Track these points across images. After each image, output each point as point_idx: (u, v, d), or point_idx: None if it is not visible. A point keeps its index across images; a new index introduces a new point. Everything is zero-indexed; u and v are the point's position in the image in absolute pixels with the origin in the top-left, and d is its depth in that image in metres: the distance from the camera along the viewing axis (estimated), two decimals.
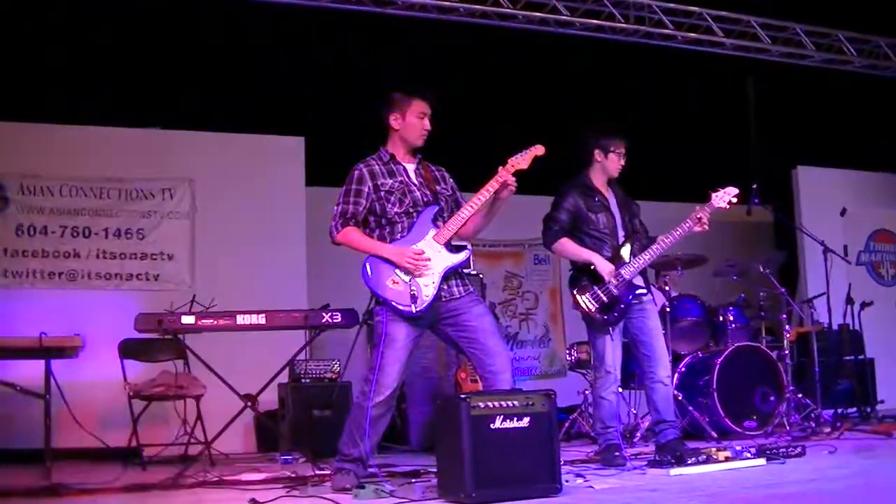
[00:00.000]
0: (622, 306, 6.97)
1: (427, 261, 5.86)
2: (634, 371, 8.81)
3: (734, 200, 7.16)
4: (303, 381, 9.46)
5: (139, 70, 10.78)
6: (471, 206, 5.95)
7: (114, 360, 9.07)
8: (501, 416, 5.18)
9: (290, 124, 11.18)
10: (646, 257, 7.04)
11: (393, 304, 5.79)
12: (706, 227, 7.03)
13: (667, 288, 9.47)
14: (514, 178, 5.91)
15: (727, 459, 6.41)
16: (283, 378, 8.61)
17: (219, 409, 8.22)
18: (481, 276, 10.63)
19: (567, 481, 5.64)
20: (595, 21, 11.57)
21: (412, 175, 6.14)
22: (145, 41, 10.75)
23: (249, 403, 7.32)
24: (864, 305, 11.04)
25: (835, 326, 10.91)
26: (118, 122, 10.49)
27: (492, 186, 5.91)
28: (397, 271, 5.83)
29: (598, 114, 11.51)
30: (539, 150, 6.05)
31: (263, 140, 11.09)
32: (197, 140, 10.86)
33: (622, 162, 7.29)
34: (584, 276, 7.07)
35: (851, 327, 11.12)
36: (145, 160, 10.56)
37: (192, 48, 10.93)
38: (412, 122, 6.13)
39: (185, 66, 10.97)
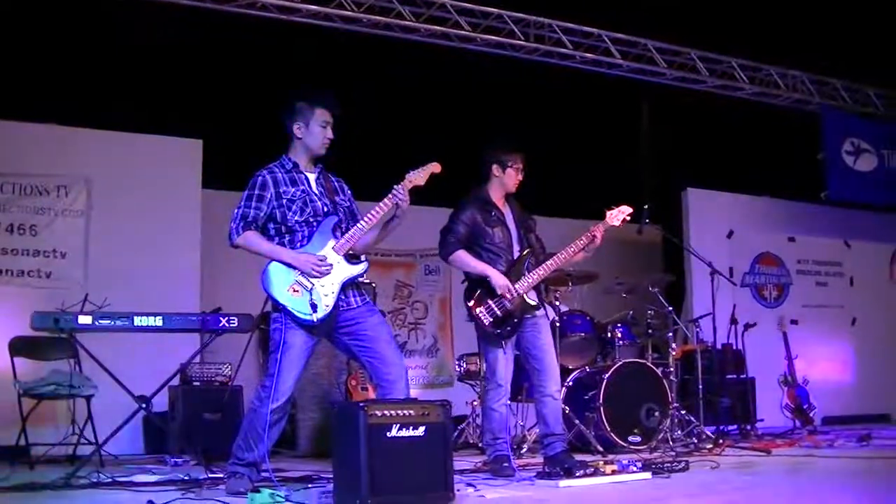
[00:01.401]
0: (515, 320, 7.09)
1: (329, 266, 5.92)
2: (523, 384, 8.94)
3: (627, 219, 7.36)
4: (194, 383, 9.43)
5: (37, 64, 10.63)
6: (368, 219, 6.00)
7: (3, 357, 8.95)
8: (398, 425, 5.25)
9: (188, 126, 11.11)
10: (540, 272, 7.16)
11: (293, 312, 5.82)
12: (599, 244, 7.21)
13: (557, 303, 9.59)
14: (407, 195, 6.01)
15: (614, 473, 6.54)
16: (174, 380, 8.58)
17: (107, 409, 8.19)
18: (374, 284, 10.69)
19: (458, 490, 5.73)
20: (496, 38, 11.73)
21: (314, 185, 6.17)
22: (45, 36, 10.61)
23: (144, 405, 7.29)
24: (747, 326, 11.35)
25: (719, 346, 11.19)
26: (14, 116, 10.33)
27: (389, 201, 5.99)
28: (298, 279, 5.86)
29: (496, 129, 11.63)
30: (436, 167, 6.15)
31: (161, 141, 10.99)
32: (94, 138, 10.71)
33: (520, 177, 7.42)
34: (478, 288, 7.16)
35: (735, 347, 11.41)
36: (41, 156, 10.39)
37: (93, 45, 10.81)
38: (315, 130, 6.16)
39: (86, 62, 10.85)
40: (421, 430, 5.33)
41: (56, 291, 9.84)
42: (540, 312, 7.29)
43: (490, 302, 7.07)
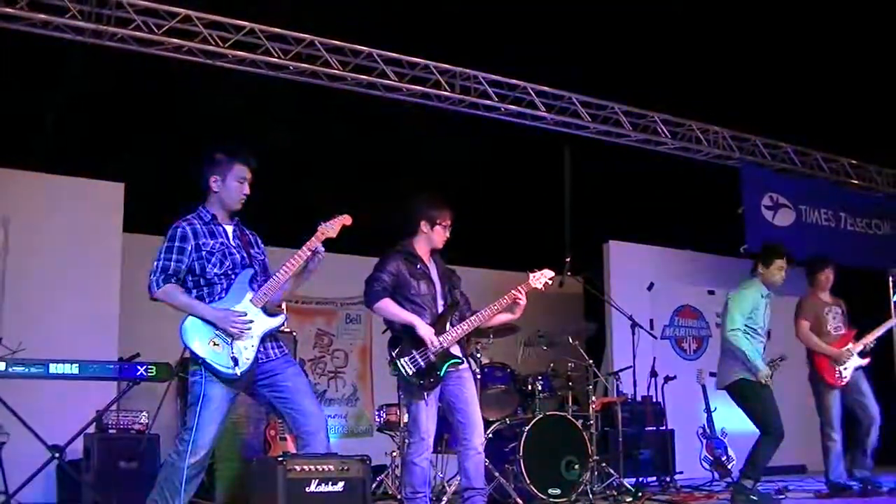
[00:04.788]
0: (438, 373, 7.08)
1: (250, 322, 5.88)
2: (444, 435, 8.92)
3: (550, 283, 7.43)
4: (109, 431, 9.26)
5: None
6: (284, 271, 6.00)
7: None
8: (317, 480, 5.24)
9: (110, 169, 11.00)
10: (464, 327, 7.19)
11: (214, 365, 5.76)
12: (523, 304, 7.28)
13: (478, 355, 9.61)
14: (322, 247, 6.04)
15: None
16: (89, 428, 8.44)
17: (19, 456, 8.02)
18: (294, 333, 10.61)
19: None
20: (421, 88, 11.78)
21: (231, 237, 6.17)
22: None
23: (57, 455, 7.15)
24: (667, 379, 11.43)
25: (639, 398, 11.26)
26: None
27: (303, 253, 6.00)
28: (218, 333, 5.82)
29: (421, 178, 11.64)
30: (346, 220, 6.17)
31: (82, 183, 10.86)
32: (12, 178, 10.54)
33: (447, 234, 7.44)
34: (403, 339, 7.16)
35: (654, 399, 11.48)
36: None
37: (14, 85, 10.68)
38: (232, 185, 6.14)
39: (5, 102, 10.70)
40: (340, 486, 5.33)
41: None
42: (463, 366, 7.30)
43: (414, 353, 7.07)
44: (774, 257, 9.18)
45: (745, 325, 8.90)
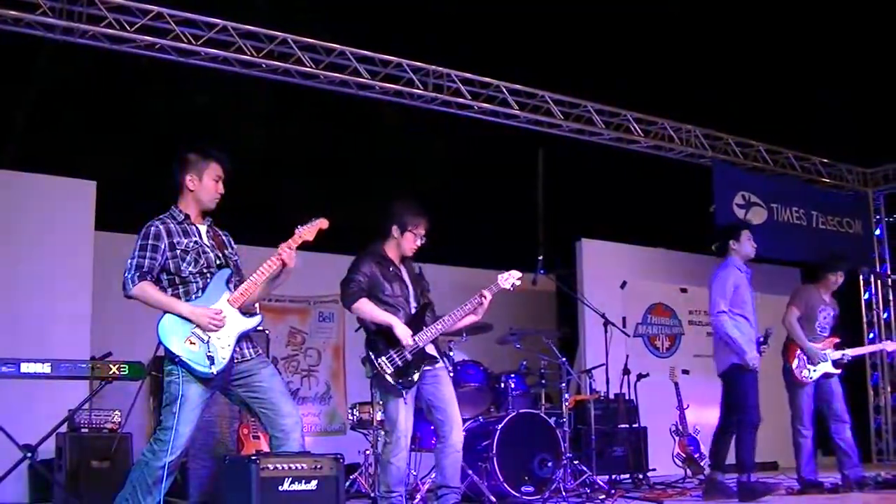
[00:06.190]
0: (415, 371, 7.08)
1: (225, 319, 5.86)
2: (416, 434, 8.92)
3: (517, 283, 7.43)
4: (81, 430, 9.21)
5: None
6: (261, 272, 5.98)
7: None
8: (290, 479, 5.23)
9: (81, 167, 10.93)
10: (438, 327, 7.19)
11: (190, 364, 5.73)
12: (484, 307, 7.32)
13: (451, 353, 9.60)
14: (293, 257, 6.02)
15: None
16: (61, 427, 8.40)
17: None
18: (267, 332, 10.57)
19: None
20: (394, 86, 11.78)
21: (205, 237, 6.13)
22: None
23: (30, 455, 7.12)
24: (640, 377, 11.45)
25: (612, 395, 11.28)
26: None
27: (279, 258, 5.99)
28: (195, 331, 5.78)
29: (394, 176, 11.65)
30: (323, 223, 6.16)
31: (53, 181, 10.78)
32: None
33: (418, 242, 7.41)
34: (380, 339, 7.15)
35: (627, 397, 11.51)
36: None
37: None
38: (208, 184, 6.11)
39: None
40: (313, 484, 5.32)
41: None
42: (439, 365, 7.31)
43: (391, 352, 7.07)
44: (740, 229, 9.36)
45: (731, 309, 8.98)
